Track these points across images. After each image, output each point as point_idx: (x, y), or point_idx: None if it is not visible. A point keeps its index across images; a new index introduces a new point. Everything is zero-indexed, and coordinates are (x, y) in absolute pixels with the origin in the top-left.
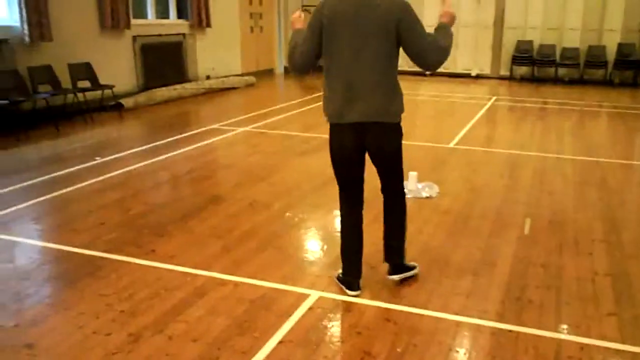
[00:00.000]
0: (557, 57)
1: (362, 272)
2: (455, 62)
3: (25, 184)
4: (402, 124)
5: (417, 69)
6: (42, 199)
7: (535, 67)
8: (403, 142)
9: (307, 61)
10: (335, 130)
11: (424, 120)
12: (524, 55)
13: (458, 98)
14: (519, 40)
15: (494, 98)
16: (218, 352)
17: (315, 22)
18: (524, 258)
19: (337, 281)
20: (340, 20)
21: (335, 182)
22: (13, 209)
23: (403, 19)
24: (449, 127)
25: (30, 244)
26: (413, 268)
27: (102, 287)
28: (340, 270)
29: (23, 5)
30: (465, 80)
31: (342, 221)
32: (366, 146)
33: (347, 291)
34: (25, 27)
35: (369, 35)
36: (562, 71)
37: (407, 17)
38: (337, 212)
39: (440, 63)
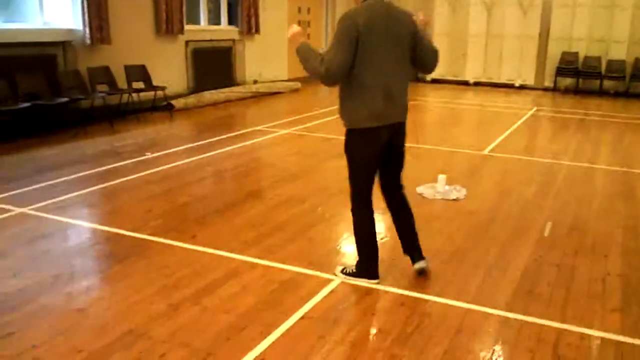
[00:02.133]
0: (603, 70)
1: (382, 262)
2: (499, 72)
3: (82, 174)
4: (441, 130)
5: (460, 78)
6: (96, 187)
7: (580, 79)
8: (439, 147)
9: (344, 72)
10: (371, 133)
11: (463, 128)
12: (568, 66)
13: (499, 107)
14: (564, 52)
15: (535, 108)
16: (246, 323)
17: (352, 34)
18: (540, 258)
19: (346, 276)
20: (377, 32)
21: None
22: (71, 195)
23: (417, 31)
24: (486, 135)
25: (85, 226)
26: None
27: (147, 265)
28: (354, 266)
29: (86, 10)
30: (508, 90)
31: (365, 220)
32: (391, 145)
33: (370, 281)
34: (87, 30)
35: (399, 45)
36: (607, 84)
37: (417, 29)
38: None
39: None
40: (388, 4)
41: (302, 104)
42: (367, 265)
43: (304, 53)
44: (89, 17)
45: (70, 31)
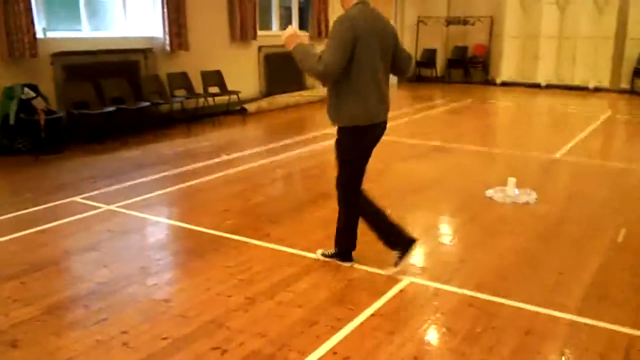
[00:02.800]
0: None
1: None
2: (572, 74)
3: (163, 174)
4: (512, 134)
5: (531, 80)
6: (177, 187)
7: None
8: (509, 150)
9: (341, 70)
10: (367, 131)
11: (534, 131)
12: None
13: (572, 110)
14: None
15: (611, 111)
16: (318, 317)
17: (350, 36)
18: (613, 262)
19: (328, 258)
20: (372, 37)
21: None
22: (153, 194)
23: (397, 38)
24: (558, 138)
25: (167, 222)
26: None
27: (225, 260)
28: (334, 249)
29: (166, 19)
30: (582, 93)
31: (355, 213)
32: (376, 141)
33: (345, 263)
34: (167, 37)
35: (388, 48)
36: None
37: (397, 35)
38: (433, 212)
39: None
40: (376, 11)
41: None
42: (346, 252)
43: (300, 54)
44: (169, 25)
45: (151, 39)
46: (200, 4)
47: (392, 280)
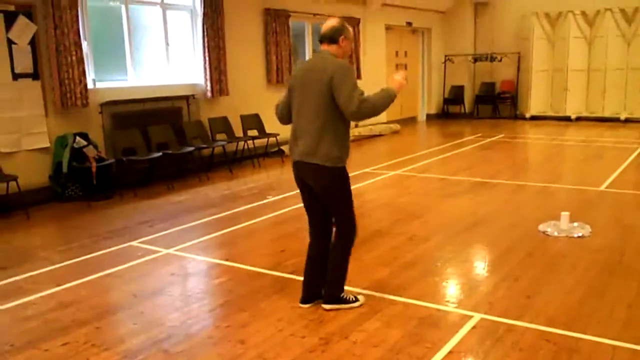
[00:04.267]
0: None
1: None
2: (603, 106)
3: (213, 217)
4: (550, 168)
5: (561, 114)
6: (229, 229)
7: None
8: (552, 184)
9: None
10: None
11: (572, 164)
12: None
13: (606, 142)
14: None
15: None
16: (397, 356)
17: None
18: None
19: (339, 305)
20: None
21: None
22: (208, 236)
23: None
24: (598, 170)
25: (227, 264)
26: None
27: (291, 301)
28: (339, 295)
29: (207, 66)
30: (613, 124)
31: (352, 235)
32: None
33: (357, 303)
34: (208, 84)
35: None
36: None
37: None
38: (489, 247)
39: (359, 114)
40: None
41: (405, 146)
42: (344, 291)
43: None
44: (210, 72)
45: (194, 86)
46: (239, 50)
47: (463, 317)
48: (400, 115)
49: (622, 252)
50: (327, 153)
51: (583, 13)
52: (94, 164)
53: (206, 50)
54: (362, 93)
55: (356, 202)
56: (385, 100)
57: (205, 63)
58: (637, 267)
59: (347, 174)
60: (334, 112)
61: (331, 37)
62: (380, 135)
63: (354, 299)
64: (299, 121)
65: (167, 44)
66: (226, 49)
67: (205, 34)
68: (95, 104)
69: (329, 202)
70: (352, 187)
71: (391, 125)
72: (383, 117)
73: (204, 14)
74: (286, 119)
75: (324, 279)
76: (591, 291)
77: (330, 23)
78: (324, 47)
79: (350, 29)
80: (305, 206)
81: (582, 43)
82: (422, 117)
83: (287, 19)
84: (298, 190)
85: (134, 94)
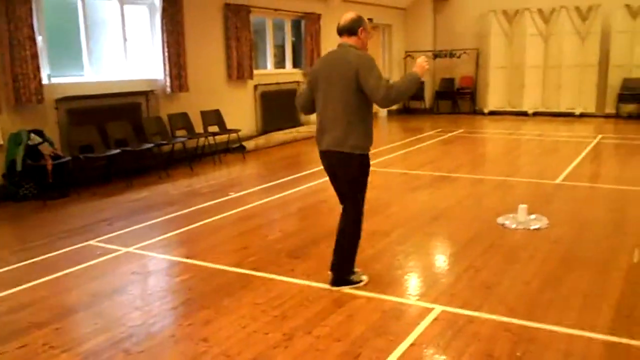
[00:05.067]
0: None
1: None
2: (558, 101)
3: (174, 214)
4: (509, 161)
5: (518, 109)
6: (191, 226)
7: None
8: (510, 178)
9: None
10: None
11: (530, 158)
12: (630, 92)
13: (562, 137)
14: (625, 78)
15: (600, 136)
16: (360, 350)
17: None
18: (634, 282)
19: (353, 287)
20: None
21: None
22: (169, 234)
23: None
24: (554, 164)
25: (189, 262)
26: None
27: (255, 297)
28: (350, 276)
29: (166, 62)
30: (569, 119)
31: (361, 220)
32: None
33: (363, 281)
34: (168, 80)
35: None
36: None
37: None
38: (451, 240)
39: (387, 100)
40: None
41: None
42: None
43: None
44: (170, 67)
45: (153, 81)
46: (199, 46)
47: (424, 310)
48: None
49: (578, 243)
50: (356, 143)
51: (539, 10)
52: (49, 162)
53: (165, 45)
54: (388, 80)
55: (318, 198)
56: (411, 83)
57: (164, 58)
58: (592, 257)
59: (369, 161)
60: (361, 103)
61: (350, 29)
62: None
63: (359, 280)
64: (325, 113)
65: (125, 39)
66: (186, 44)
67: (164, 29)
68: (50, 100)
69: (347, 188)
70: (315, 183)
71: None
72: None
73: (163, 9)
74: (307, 110)
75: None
76: (548, 281)
77: (349, 16)
78: (344, 39)
79: (367, 21)
80: (335, 190)
81: (539, 40)
82: (383, 112)
83: (248, 14)
84: (261, 187)
85: (91, 90)
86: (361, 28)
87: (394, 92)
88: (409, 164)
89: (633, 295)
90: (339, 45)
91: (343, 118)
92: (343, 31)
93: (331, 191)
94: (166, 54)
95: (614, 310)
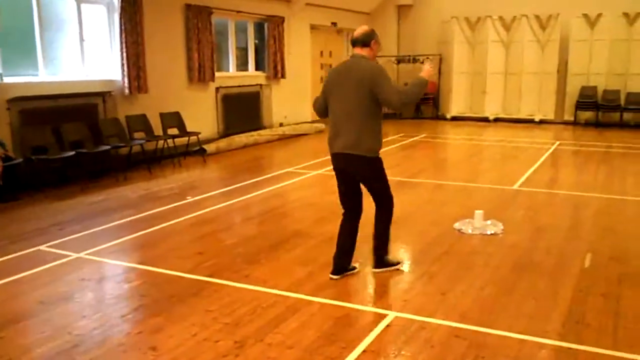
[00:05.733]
0: (622, 102)
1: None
2: (519, 108)
3: (129, 218)
4: (468, 167)
5: (480, 115)
6: (145, 231)
7: (600, 112)
8: (469, 183)
9: None
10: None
11: (490, 164)
12: (588, 100)
13: (522, 143)
14: (583, 86)
15: (558, 142)
16: (312, 357)
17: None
18: (585, 288)
19: (389, 268)
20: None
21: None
22: (123, 239)
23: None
24: (512, 170)
25: (141, 268)
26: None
27: (207, 304)
28: (385, 259)
29: (125, 62)
30: (529, 125)
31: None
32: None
33: (399, 264)
34: (126, 80)
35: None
36: (627, 116)
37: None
38: (407, 246)
39: (400, 104)
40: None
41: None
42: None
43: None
44: (128, 68)
45: (110, 82)
46: (159, 47)
47: (378, 316)
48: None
49: (532, 248)
50: (369, 147)
51: (501, 18)
52: (0, 164)
53: (124, 45)
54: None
55: (278, 202)
56: (420, 87)
57: (122, 59)
58: (545, 262)
59: (381, 160)
60: (373, 109)
61: (364, 41)
62: (304, 134)
63: (397, 262)
64: (338, 118)
65: (83, 38)
66: (145, 45)
67: (123, 28)
68: (2, 100)
69: (370, 185)
70: (276, 187)
71: (316, 124)
72: (308, 116)
73: (122, 8)
74: (322, 114)
75: (350, 254)
76: (502, 287)
77: (363, 29)
78: (357, 50)
79: (378, 34)
80: (341, 192)
81: (500, 47)
82: None
83: (210, 15)
84: (221, 190)
85: (45, 90)
86: (373, 41)
87: (406, 97)
88: None
89: (583, 301)
90: (352, 56)
91: (356, 123)
92: (357, 42)
93: (290, 196)
94: (125, 54)
95: (564, 316)
